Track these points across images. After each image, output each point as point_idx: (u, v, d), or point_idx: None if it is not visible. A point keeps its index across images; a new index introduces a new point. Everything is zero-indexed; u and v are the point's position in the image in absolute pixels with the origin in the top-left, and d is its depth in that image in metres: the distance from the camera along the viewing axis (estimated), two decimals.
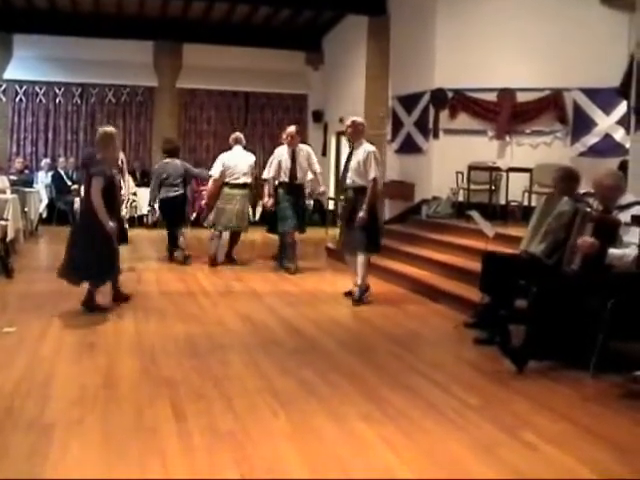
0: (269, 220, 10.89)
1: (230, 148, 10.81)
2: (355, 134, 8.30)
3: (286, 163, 10.06)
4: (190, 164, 11.83)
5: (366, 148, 8.17)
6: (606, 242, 5.57)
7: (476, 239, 8.59)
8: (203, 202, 11.79)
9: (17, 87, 17.11)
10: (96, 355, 5.65)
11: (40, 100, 17.31)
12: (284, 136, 10.29)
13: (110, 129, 7.55)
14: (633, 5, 8.36)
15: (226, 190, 10.55)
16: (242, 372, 5.28)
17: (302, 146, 10.40)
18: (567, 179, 6.41)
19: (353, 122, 8.35)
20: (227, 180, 10.52)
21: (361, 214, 7.95)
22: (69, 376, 5.08)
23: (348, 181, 8.20)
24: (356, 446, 3.93)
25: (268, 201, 10.17)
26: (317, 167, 10.33)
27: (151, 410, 4.40)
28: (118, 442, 3.90)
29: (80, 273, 7.16)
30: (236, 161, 10.59)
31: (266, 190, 10.24)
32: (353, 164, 8.15)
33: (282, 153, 10.20)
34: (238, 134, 11.09)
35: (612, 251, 5.56)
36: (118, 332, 6.46)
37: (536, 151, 11.80)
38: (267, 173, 10.31)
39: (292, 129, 10.20)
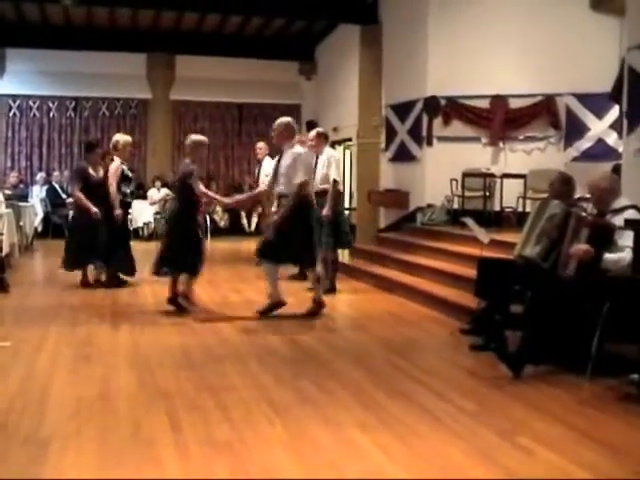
0: None
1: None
2: (279, 139, 8.04)
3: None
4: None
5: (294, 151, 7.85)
6: (601, 247, 5.57)
7: (471, 246, 8.61)
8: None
9: (10, 101, 17.15)
10: (92, 367, 5.64)
11: (34, 114, 17.35)
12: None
13: (200, 137, 8.25)
14: (623, 10, 8.39)
15: None
16: (238, 382, 5.27)
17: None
18: (563, 183, 6.42)
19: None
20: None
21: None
22: (65, 389, 5.07)
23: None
24: (352, 453, 3.93)
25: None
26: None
27: (147, 421, 4.39)
28: (115, 453, 3.89)
29: (182, 265, 7.89)
30: None
31: None
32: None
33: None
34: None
35: (607, 256, 5.56)
36: (114, 344, 6.45)
37: (530, 157, 11.84)
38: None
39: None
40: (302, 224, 7.55)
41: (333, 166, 9.02)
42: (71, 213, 10.32)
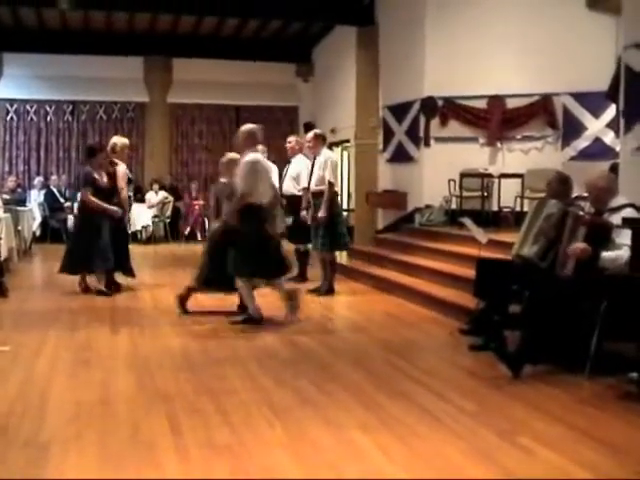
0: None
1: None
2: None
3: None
4: (184, 178, 11.88)
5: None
6: (599, 246, 5.58)
7: (469, 246, 8.60)
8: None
9: (8, 106, 17.13)
10: (91, 371, 5.64)
11: (31, 118, 17.33)
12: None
13: (235, 155, 7.91)
14: (619, 8, 8.40)
15: None
16: (237, 385, 5.27)
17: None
18: (560, 182, 6.43)
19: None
20: None
21: None
22: (65, 392, 5.06)
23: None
24: (352, 454, 3.93)
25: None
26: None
27: (147, 424, 4.39)
28: (115, 456, 3.89)
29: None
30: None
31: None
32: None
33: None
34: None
35: (605, 254, 5.57)
36: (113, 347, 6.45)
37: (527, 157, 11.85)
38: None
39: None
40: (252, 234, 7.28)
41: (329, 168, 9.00)
42: (71, 218, 10.29)
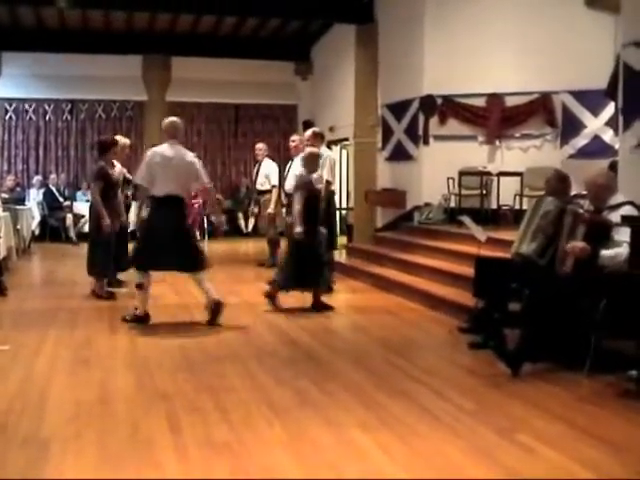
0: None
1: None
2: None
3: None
4: None
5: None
6: (598, 244, 5.58)
7: (469, 244, 8.60)
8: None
9: (6, 105, 17.11)
10: (91, 370, 5.64)
11: (30, 117, 17.32)
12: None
13: (316, 150, 8.49)
14: (618, 7, 8.40)
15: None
16: (237, 383, 5.28)
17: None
18: (559, 180, 6.43)
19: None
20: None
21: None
22: (64, 392, 5.06)
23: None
24: (352, 453, 3.93)
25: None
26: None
27: (146, 423, 4.39)
28: (114, 455, 3.89)
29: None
30: None
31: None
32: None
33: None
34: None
35: (604, 252, 5.57)
36: (112, 346, 6.45)
37: (526, 155, 11.84)
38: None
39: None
40: (165, 226, 7.23)
41: (327, 166, 8.99)
42: (70, 217, 10.00)
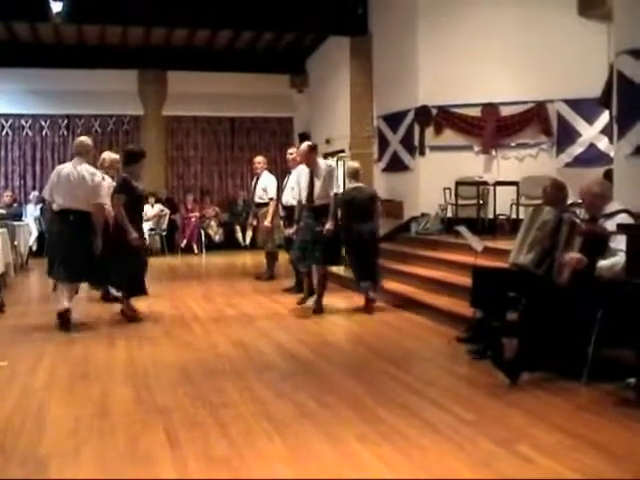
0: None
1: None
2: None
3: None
4: (179, 190, 11.85)
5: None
6: (595, 255, 5.57)
7: (466, 254, 8.61)
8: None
9: (3, 121, 17.14)
10: (89, 385, 5.63)
11: (26, 133, 17.35)
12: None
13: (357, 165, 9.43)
14: (610, 15, 8.44)
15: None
16: (236, 397, 5.26)
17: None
18: (557, 189, 6.43)
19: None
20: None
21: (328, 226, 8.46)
22: (62, 407, 5.05)
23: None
24: (352, 466, 3.92)
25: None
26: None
27: (145, 438, 4.38)
28: (113, 471, 3.88)
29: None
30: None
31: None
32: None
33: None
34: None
35: (602, 263, 5.56)
36: (111, 361, 6.44)
37: (522, 164, 11.89)
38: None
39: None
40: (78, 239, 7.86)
41: (333, 178, 8.68)
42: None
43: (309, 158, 8.76)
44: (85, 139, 8.34)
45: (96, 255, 7.96)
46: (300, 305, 9.12)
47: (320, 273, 8.88)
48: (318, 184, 8.63)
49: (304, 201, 8.80)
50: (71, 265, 7.81)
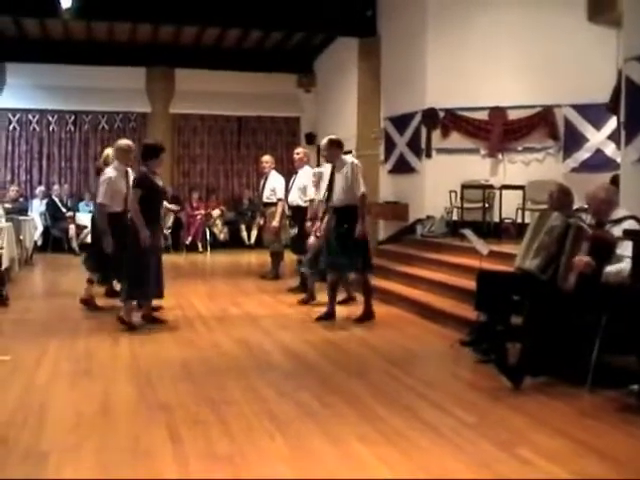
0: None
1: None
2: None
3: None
4: (185, 188, 11.84)
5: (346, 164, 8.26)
6: (602, 261, 5.56)
7: (471, 257, 8.59)
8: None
9: (10, 115, 17.14)
10: (92, 381, 5.64)
11: (34, 128, 17.35)
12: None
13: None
14: (620, 21, 8.42)
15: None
16: (238, 396, 5.27)
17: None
18: (563, 193, 6.41)
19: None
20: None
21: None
22: (65, 403, 5.06)
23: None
24: (353, 466, 3.92)
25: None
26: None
27: (147, 435, 4.38)
28: (114, 467, 3.89)
29: None
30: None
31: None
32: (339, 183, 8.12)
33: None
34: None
35: (608, 269, 5.54)
36: (114, 358, 6.45)
37: (528, 168, 11.88)
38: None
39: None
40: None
41: (359, 176, 8.12)
42: (72, 227, 9.43)
43: (333, 154, 8.34)
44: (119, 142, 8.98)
45: (106, 252, 8.29)
46: (301, 304, 9.24)
47: (361, 281, 8.54)
48: (340, 183, 8.13)
49: (324, 201, 8.39)
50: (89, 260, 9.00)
